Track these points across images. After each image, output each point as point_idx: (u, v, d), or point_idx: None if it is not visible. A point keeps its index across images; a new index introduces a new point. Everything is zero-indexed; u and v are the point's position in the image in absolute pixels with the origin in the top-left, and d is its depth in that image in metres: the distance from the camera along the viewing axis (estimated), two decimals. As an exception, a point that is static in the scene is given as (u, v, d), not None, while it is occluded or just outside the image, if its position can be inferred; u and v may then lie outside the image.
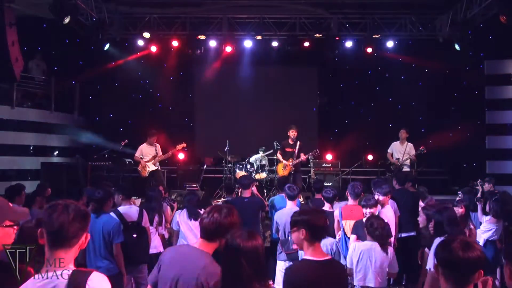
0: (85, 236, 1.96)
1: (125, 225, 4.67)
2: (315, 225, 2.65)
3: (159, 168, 9.25)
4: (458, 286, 1.91)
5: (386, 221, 4.38)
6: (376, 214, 4.72)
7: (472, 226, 4.95)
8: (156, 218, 5.45)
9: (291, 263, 4.59)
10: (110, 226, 4.34)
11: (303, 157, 8.71)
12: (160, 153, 9.07)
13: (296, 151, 8.73)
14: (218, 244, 2.47)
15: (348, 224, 4.86)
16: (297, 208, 5.05)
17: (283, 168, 8.94)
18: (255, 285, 2.13)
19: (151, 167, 8.98)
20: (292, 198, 5.17)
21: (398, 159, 9.12)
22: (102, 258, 4.28)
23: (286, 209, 5.12)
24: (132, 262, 4.68)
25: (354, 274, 4.08)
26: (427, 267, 3.62)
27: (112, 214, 4.68)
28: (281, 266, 4.92)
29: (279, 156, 9.11)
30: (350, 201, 5.15)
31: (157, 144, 9.15)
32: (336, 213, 5.07)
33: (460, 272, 1.90)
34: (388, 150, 9.37)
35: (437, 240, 3.40)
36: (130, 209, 4.90)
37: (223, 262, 2.26)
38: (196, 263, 2.42)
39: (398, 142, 9.26)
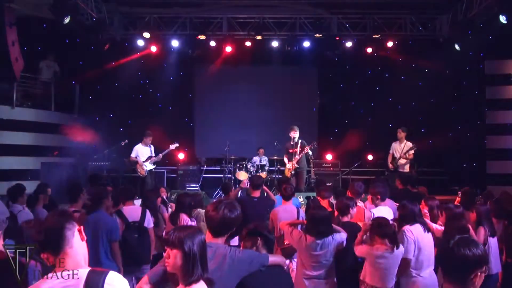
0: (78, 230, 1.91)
1: (127, 225, 4.65)
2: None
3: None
4: (461, 285, 1.91)
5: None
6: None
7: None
8: (153, 219, 5.38)
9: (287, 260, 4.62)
10: (106, 224, 4.30)
11: (298, 156, 8.88)
12: (153, 154, 9.15)
13: (298, 151, 8.88)
14: (224, 241, 2.50)
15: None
16: (293, 206, 5.13)
17: (289, 170, 9.08)
18: None
19: (149, 166, 9.06)
20: (286, 198, 5.21)
21: (395, 157, 9.20)
22: (96, 258, 4.10)
23: (281, 207, 5.16)
24: (134, 262, 4.65)
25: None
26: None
27: (114, 214, 4.68)
28: None
29: (285, 159, 9.33)
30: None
31: (152, 145, 9.23)
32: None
33: (464, 271, 1.90)
34: (390, 151, 9.43)
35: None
36: (133, 209, 4.87)
37: None
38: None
39: (397, 142, 9.33)
